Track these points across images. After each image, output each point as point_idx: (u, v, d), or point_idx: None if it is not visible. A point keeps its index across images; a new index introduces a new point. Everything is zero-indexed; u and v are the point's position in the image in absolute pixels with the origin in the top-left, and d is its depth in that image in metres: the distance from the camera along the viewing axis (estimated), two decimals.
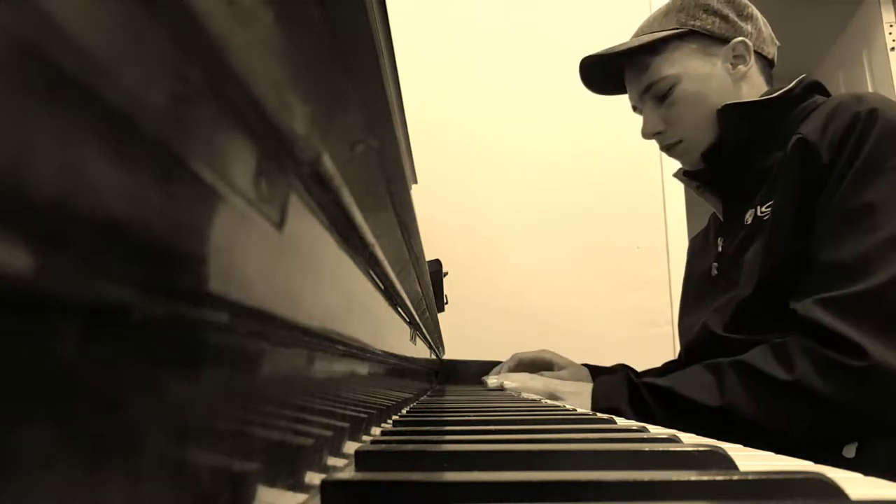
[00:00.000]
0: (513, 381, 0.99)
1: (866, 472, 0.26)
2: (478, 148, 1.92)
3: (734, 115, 0.91)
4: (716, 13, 0.95)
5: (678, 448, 0.32)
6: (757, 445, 0.77)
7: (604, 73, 1.03)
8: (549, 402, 0.87)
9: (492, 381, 1.04)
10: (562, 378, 1.04)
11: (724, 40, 0.94)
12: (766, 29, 0.99)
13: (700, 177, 1.00)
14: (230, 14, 0.13)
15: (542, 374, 1.06)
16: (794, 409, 0.73)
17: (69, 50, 0.09)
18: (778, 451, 0.36)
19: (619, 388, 0.87)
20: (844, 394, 0.70)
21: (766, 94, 0.92)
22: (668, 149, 1.00)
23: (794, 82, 0.91)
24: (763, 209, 0.86)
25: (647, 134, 1.00)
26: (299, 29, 0.17)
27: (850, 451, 0.73)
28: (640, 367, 1.12)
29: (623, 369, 1.12)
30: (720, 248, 0.97)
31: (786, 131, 0.86)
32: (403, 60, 0.49)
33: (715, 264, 0.97)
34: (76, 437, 0.10)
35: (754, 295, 0.83)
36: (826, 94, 0.92)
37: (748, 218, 0.89)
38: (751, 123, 0.91)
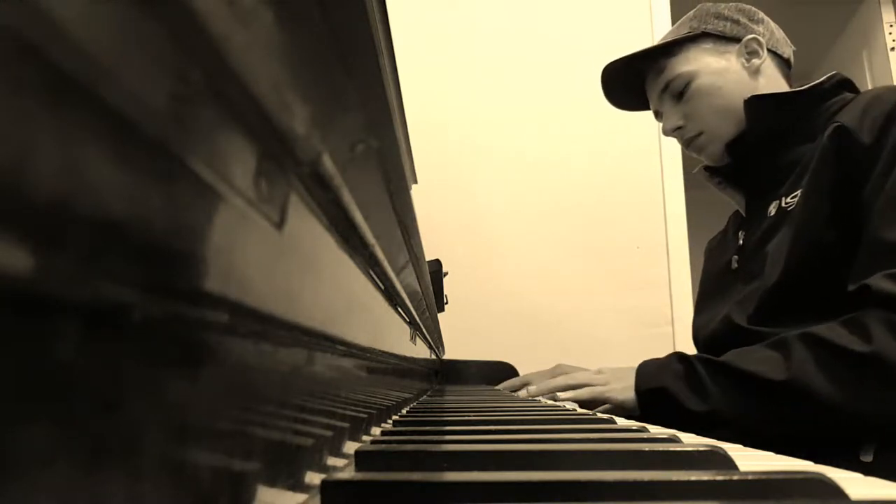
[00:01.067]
0: (540, 389, 0.96)
1: (884, 477, 0.26)
2: (478, 148, 1.92)
3: (762, 106, 0.92)
4: (727, 19, 0.98)
5: (678, 448, 0.32)
6: (822, 423, 0.76)
7: (623, 85, 1.05)
8: (550, 402, 0.86)
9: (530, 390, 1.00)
10: None
11: (737, 39, 0.97)
12: (779, 32, 1.01)
13: (722, 172, 1.00)
14: (230, 14, 0.13)
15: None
16: (872, 380, 0.70)
17: (68, 49, 0.09)
18: (799, 445, 0.35)
19: (667, 366, 0.84)
20: None
21: (796, 87, 0.93)
22: (688, 143, 1.01)
23: (824, 77, 0.92)
24: (788, 199, 0.86)
25: (667, 131, 1.01)
26: (299, 29, 0.17)
27: (867, 456, 0.72)
28: None
29: None
30: (741, 242, 0.97)
31: (815, 125, 0.86)
32: (403, 60, 0.49)
33: (735, 257, 0.97)
34: (76, 437, 0.10)
35: (778, 284, 0.82)
36: (855, 91, 0.92)
37: (772, 210, 0.90)
38: (779, 115, 0.91)
